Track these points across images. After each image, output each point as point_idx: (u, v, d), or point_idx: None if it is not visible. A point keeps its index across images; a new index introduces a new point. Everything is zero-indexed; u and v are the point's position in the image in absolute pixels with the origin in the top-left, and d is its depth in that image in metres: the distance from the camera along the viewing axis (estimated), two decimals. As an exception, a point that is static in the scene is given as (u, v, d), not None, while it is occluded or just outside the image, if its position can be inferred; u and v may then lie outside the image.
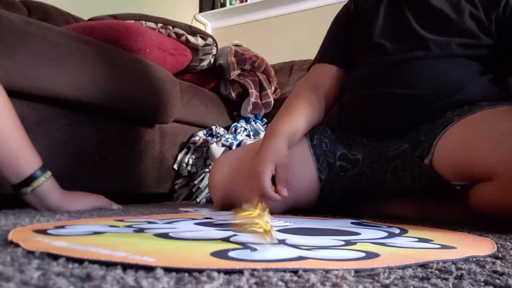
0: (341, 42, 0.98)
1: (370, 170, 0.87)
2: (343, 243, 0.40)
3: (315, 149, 0.90)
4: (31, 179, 0.73)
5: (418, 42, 0.83)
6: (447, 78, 0.80)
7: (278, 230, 0.49)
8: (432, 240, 0.45)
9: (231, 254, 0.32)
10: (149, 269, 0.27)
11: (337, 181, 0.89)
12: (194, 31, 1.64)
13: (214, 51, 1.74)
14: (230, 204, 0.87)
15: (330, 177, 0.88)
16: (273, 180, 0.74)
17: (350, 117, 0.93)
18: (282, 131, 0.83)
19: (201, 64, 1.75)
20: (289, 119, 0.87)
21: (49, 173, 0.76)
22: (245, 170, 0.84)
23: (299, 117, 0.88)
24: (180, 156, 1.54)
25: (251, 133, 1.73)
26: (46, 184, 0.75)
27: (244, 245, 0.36)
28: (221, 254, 0.32)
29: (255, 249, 0.34)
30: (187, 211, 0.84)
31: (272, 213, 0.77)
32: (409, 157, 0.81)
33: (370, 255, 0.34)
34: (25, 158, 0.73)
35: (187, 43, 1.62)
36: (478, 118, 0.72)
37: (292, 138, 0.84)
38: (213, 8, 2.98)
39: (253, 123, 1.81)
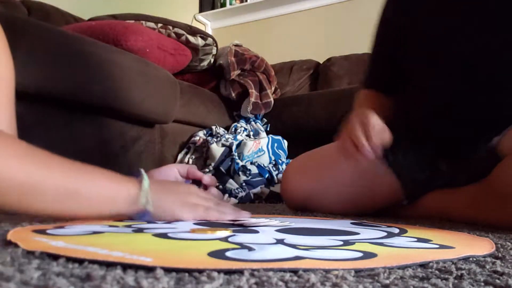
0: None
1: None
2: (341, 243, 0.40)
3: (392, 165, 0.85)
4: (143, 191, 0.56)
5: None
6: None
7: (277, 230, 0.49)
8: (431, 240, 0.45)
9: (228, 254, 0.32)
10: (149, 269, 0.27)
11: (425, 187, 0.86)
12: (194, 31, 1.64)
13: (214, 51, 1.74)
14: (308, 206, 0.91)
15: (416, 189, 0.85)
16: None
17: None
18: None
19: (201, 64, 1.75)
20: None
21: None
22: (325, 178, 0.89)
23: None
24: (180, 156, 1.54)
25: (251, 133, 1.73)
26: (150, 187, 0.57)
27: (242, 245, 0.36)
28: (219, 254, 0.32)
29: (252, 249, 0.34)
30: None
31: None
32: None
33: (368, 255, 0.34)
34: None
35: (187, 43, 1.62)
36: None
37: None
38: (213, 8, 2.98)
39: (253, 123, 1.81)
